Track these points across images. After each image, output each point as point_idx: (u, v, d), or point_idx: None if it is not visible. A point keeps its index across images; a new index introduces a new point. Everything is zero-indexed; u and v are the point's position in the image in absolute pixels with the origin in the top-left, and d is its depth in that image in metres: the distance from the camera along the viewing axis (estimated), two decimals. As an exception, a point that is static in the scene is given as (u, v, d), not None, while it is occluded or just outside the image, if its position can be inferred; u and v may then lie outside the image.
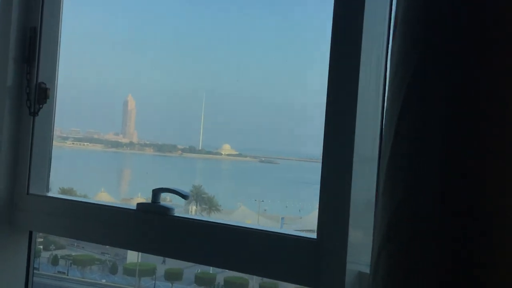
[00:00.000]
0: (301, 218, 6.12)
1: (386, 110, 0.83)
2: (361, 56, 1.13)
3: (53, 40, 1.58)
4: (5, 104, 1.52)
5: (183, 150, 6.56)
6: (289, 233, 1.28)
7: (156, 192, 1.43)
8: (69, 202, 1.54)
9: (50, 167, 1.60)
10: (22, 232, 1.58)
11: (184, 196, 1.44)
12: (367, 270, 1.19)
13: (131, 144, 6.72)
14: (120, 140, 6.75)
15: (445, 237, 0.73)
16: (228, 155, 6.36)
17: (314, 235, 1.22)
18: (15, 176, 1.55)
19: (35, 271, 1.65)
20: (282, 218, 5.83)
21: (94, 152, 6.48)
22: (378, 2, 1.16)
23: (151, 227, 1.40)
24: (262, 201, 5.95)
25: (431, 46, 0.76)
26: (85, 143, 6.44)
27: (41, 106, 1.54)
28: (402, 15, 0.80)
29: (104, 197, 6.37)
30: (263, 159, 6.55)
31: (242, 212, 6.05)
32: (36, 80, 1.55)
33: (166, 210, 1.40)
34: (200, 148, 6.48)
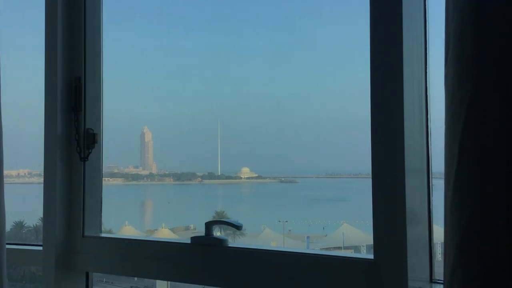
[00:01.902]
0: (326, 236, 6.11)
1: (446, 131, 0.87)
2: (404, 73, 1.17)
3: (97, 87, 1.65)
4: (56, 152, 1.59)
5: (203, 177, 6.61)
6: (345, 255, 1.31)
7: (209, 225, 1.47)
8: (123, 241, 1.59)
9: (101, 208, 1.66)
10: (79, 274, 1.63)
11: (237, 227, 1.48)
12: (427, 286, 1.22)
13: (150, 176, 6.80)
14: (139, 173, 6.83)
15: None
16: (248, 178, 6.40)
17: (371, 256, 1.25)
18: (70, 220, 1.61)
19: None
20: (308, 237, 5.82)
21: (115, 187, 6.56)
22: (415, 26, 1.22)
23: (207, 259, 1.44)
24: (286, 221, 5.96)
25: (486, 70, 0.81)
26: (106, 178, 6.51)
27: (90, 151, 1.61)
28: (453, 43, 0.86)
29: (129, 230, 6.41)
30: (282, 179, 6.58)
31: (267, 234, 6.05)
32: (84, 127, 1.62)
33: (220, 241, 1.45)
34: (219, 174, 6.53)
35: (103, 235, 1.64)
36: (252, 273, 1.38)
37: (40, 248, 1.60)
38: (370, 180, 1.21)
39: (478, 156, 0.79)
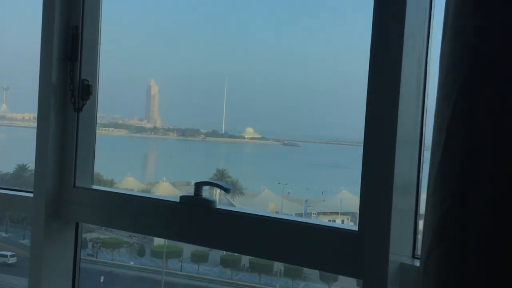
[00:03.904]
0: (324, 200, 6.16)
1: (436, 109, 0.85)
2: (404, 45, 1.13)
3: (94, 38, 1.62)
4: (50, 101, 1.57)
5: (206, 134, 6.62)
6: (330, 225, 1.32)
7: (199, 186, 1.47)
8: (113, 194, 1.60)
9: (94, 160, 1.66)
10: (69, 223, 1.65)
11: (226, 190, 1.48)
12: (408, 261, 1.22)
13: (155, 129, 6.81)
14: (144, 125, 6.85)
15: (498, 238, 0.75)
16: (251, 138, 6.41)
17: (355, 227, 1.25)
18: (62, 171, 1.61)
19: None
20: (306, 201, 5.87)
21: (119, 138, 6.59)
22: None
23: (194, 219, 1.45)
24: (286, 184, 6.00)
25: (481, 52, 0.78)
26: (110, 129, 6.55)
27: (84, 102, 1.59)
28: (451, 20, 0.82)
29: (130, 182, 6.50)
30: (285, 142, 6.58)
31: (266, 195, 6.11)
32: (79, 77, 1.60)
33: (209, 203, 1.45)
34: (223, 132, 6.53)
35: (94, 187, 1.65)
36: (237, 235, 1.39)
37: (31, 195, 1.62)
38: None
39: (464, 141, 0.77)
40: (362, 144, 1.20)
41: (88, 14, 1.60)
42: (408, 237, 1.24)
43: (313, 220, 1.34)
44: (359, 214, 1.22)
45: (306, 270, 5.26)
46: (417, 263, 1.20)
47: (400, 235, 1.20)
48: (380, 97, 1.17)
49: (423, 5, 1.18)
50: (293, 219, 1.36)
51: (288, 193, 6.49)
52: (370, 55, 1.19)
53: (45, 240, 1.59)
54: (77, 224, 1.67)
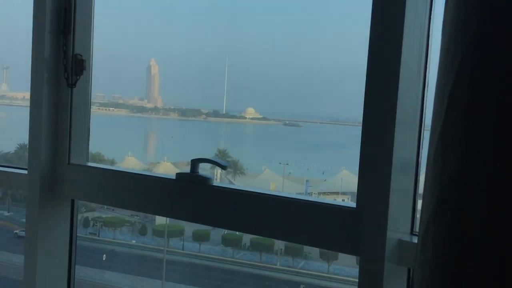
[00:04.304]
0: (325, 180, 6.15)
1: (437, 81, 0.82)
2: (405, 19, 1.10)
3: (87, 11, 1.58)
4: (43, 76, 1.54)
5: (207, 115, 6.59)
6: (329, 202, 1.29)
7: (195, 163, 1.45)
8: (109, 172, 1.58)
9: (89, 137, 1.64)
10: (64, 201, 1.63)
11: (222, 166, 1.46)
12: (406, 238, 1.20)
13: (155, 109, 6.78)
14: (144, 105, 6.81)
15: (497, 210, 0.73)
16: (252, 118, 6.37)
17: (353, 204, 1.23)
18: (56, 147, 1.59)
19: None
20: (307, 181, 5.86)
21: (119, 117, 6.56)
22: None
23: (190, 196, 1.43)
24: (287, 164, 5.99)
25: (486, 18, 0.74)
26: (110, 108, 6.51)
27: (78, 77, 1.56)
28: None
29: (131, 162, 6.49)
30: (286, 122, 6.54)
31: (267, 175, 6.11)
32: (73, 52, 1.56)
33: (205, 180, 1.43)
34: (224, 112, 6.50)
35: (89, 164, 1.63)
36: (233, 213, 1.37)
37: (25, 172, 1.60)
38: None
39: (466, 111, 0.74)
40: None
41: (81, -14, 1.56)
42: (406, 215, 1.22)
43: (311, 197, 1.32)
44: (357, 191, 1.20)
45: (306, 249, 5.28)
46: (415, 239, 1.18)
47: (398, 212, 1.18)
48: (379, 76, 1.14)
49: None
50: (291, 196, 1.34)
51: (289, 173, 6.49)
52: (370, 32, 1.15)
53: (40, 217, 1.57)
54: (72, 201, 1.65)
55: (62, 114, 1.59)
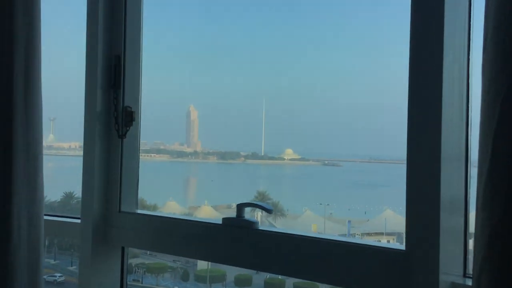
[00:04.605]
0: (368, 221, 6.02)
1: (480, 125, 0.82)
2: (444, 56, 1.11)
3: (136, 66, 1.67)
4: (95, 129, 1.63)
5: (246, 157, 6.65)
6: (376, 244, 1.28)
7: (240, 207, 1.48)
8: (157, 218, 1.62)
9: (138, 185, 1.70)
10: (115, 248, 1.68)
11: (267, 210, 1.48)
12: (460, 280, 1.17)
13: (195, 153, 6.90)
14: (184, 150, 6.96)
15: None
16: (291, 159, 6.38)
17: (402, 246, 1.21)
18: (107, 196, 1.65)
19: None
20: (349, 222, 5.76)
21: (161, 163, 6.71)
22: (458, 11, 1.15)
23: (236, 240, 1.45)
24: (328, 204, 5.91)
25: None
26: (153, 154, 6.69)
27: (128, 128, 1.64)
28: (492, 28, 0.80)
29: (172, 206, 6.58)
30: (326, 162, 6.51)
31: (307, 217, 6.04)
32: (123, 104, 1.64)
33: (251, 224, 1.45)
34: (262, 154, 6.54)
35: (139, 211, 1.68)
36: (280, 256, 1.38)
37: (79, 221, 1.66)
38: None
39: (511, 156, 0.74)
40: (404, 162, 1.18)
41: (130, 44, 1.66)
42: (458, 256, 1.19)
43: (358, 239, 1.31)
44: (406, 233, 1.19)
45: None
46: (469, 282, 1.15)
47: (450, 253, 1.15)
48: (422, 113, 1.15)
49: (461, 17, 1.16)
50: (337, 239, 1.33)
51: (331, 214, 6.41)
52: (409, 70, 1.17)
53: (92, 265, 1.62)
54: (123, 248, 1.70)
55: (113, 164, 1.66)
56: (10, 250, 1.42)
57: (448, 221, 1.15)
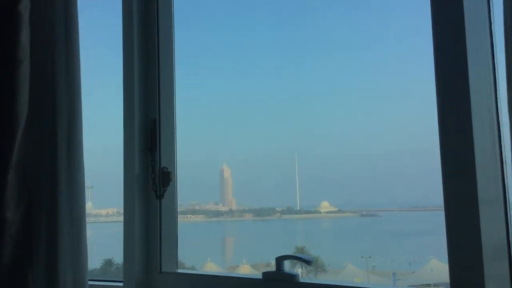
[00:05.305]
0: (413, 272, 5.79)
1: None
2: (471, 99, 1.12)
3: (170, 129, 1.74)
4: (134, 191, 1.67)
5: (282, 212, 6.59)
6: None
7: (280, 260, 1.46)
8: (198, 277, 1.62)
9: (177, 245, 1.71)
10: (158, 309, 1.68)
11: (307, 262, 1.46)
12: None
13: (230, 212, 6.90)
14: (220, 209, 6.97)
15: None
16: (328, 212, 6.29)
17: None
18: (148, 257, 1.67)
19: None
20: (394, 274, 5.55)
21: (197, 223, 6.72)
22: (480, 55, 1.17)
23: (279, 295, 1.43)
24: (370, 257, 5.73)
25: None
26: (188, 216, 6.72)
27: (165, 188, 1.68)
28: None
29: (211, 267, 6.51)
30: (363, 213, 6.38)
31: (350, 271, 5.85)
32: (159, 166, 1.69)
33: (292, 277, 1.43)
34: (298, 208, 6.48)
35: (179, 271, 1.68)
36: (324, 310, 1.34)
37: (121, 284, 1.67)
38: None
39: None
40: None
41: (164, 107, 1.73)
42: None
43: (404, 288, 1.27)
44: (450, 282, 1.15)
45: None
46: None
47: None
48: (454, 158, 1.15)
49: (484, 50, 1.17)
50: (382, 289, 1.30)
51: (373, 266, 6.19)
52: (438, 115, 1.18)
53: (136, 327, 1.61)
54: (165, 309, 1.69)
55: (152, 225, 1.69)
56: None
57: (493, 268, 1.11)
